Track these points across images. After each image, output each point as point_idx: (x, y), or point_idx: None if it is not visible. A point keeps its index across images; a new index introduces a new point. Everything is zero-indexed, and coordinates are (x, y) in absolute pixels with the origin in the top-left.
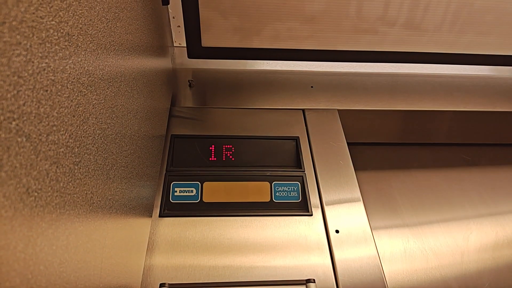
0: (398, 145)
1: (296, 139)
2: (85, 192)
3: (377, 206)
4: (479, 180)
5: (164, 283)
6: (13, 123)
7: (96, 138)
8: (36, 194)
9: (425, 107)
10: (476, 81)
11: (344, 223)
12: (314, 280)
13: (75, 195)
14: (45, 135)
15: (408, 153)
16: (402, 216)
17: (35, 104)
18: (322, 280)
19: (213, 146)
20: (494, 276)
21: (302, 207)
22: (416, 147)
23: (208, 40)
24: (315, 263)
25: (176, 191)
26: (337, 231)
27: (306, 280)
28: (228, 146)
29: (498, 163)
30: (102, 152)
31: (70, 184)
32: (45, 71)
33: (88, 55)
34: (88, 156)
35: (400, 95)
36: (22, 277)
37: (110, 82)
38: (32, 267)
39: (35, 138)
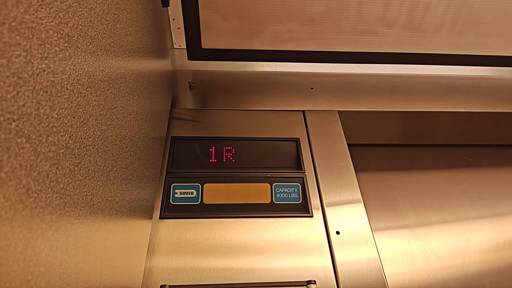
0: (398, 146)
1: (297, 141)
2: (85, 193)
3: (377, 208)
4: (479, 181)
5: (165, 285)
6: (13, 124)
7: (96, 139)
8: (36, 195)
9: (425, 108)
10: (476, 82)
11: (344, 225)
12: (314, 281)
13: (75, 197)
14: (45, 136)
15: (409, 154)
16: (402, 217)
17: (35, 105)
18: (322, 282)
19: (213, 147)
20: (495, 278)
21: (302, 209)
22: (417, 148)
23: (208, 42)
24: (316, 264)
25: (176, 193)
26: (337, 233)
27: (306, 281)
28: (229, 148)
29: (499, 164)
30: (102, 153)
31: (70, 185)
32: (45, 72)
33: (88, 57)
34: (88, 158)
35: (400, 96)
36: (22, 278)
37: (110, 83)
38: (32, 268)
39: (35, 139)
